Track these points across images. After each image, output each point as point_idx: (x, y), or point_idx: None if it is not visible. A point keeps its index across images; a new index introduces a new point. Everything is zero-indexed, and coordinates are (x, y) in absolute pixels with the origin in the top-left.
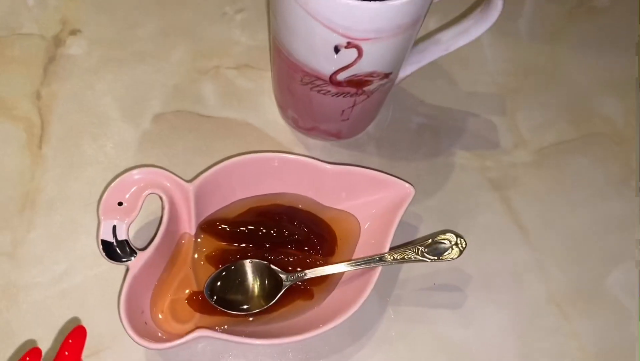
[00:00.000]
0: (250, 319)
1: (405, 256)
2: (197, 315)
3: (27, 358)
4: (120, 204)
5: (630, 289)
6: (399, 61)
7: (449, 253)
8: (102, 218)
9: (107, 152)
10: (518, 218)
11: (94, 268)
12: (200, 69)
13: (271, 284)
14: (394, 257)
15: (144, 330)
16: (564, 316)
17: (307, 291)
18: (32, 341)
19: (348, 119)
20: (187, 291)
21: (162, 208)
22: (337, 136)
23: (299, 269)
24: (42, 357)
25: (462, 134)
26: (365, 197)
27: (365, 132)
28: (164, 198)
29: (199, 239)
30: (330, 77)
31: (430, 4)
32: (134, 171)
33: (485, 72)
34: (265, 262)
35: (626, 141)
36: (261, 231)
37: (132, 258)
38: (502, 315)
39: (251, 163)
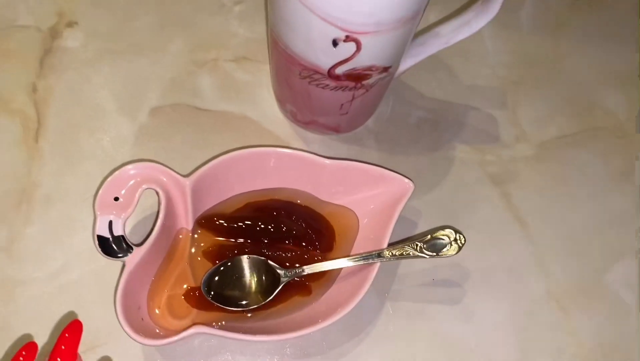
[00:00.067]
0: (249, 315)
1: (404, 252)
2: (194, 310)
3: (23, 353)
4: (116, 199)
5: (630, 285)
6: (399, 54)
7: (447, 250)
8: (98, 213)
9: (104, 146)
10: (518, 213)
11: (90, 263)
12: (197, 62)
13: (269, 280)
14: (392, 253)
15: (141, 326)
16: (563, 312)
17: (305, 286)
18: (28, 336)
19: (347, 113)
20: (184, 286)
21: (159, 203)
22: (336, 129)
23: (297, 265)
24: (38, 352)
25: (463, 127)
26: (364, 192)
27: (365, 126)
28: (161, 193)
29: (196, 235)
30: (329, 71)
31: None
32: (130, 166)
33: (487, 65)
34: (263, 258)
35: (628, 135)
36: (259, 226)
37: (129, 253)
38: (501, 310)
39: (249, 158)
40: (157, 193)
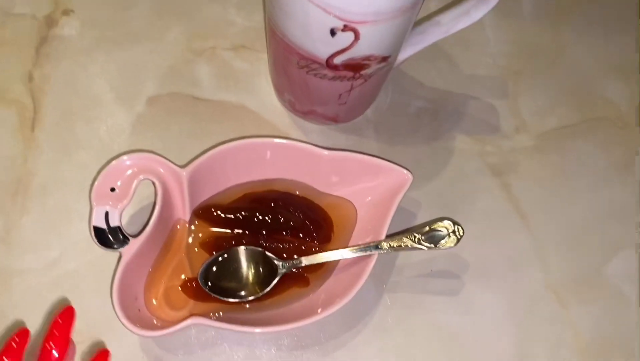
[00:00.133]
0: (246, 306)
1: (402, 244)
2: (192, 301)
3: (16, 339)
4: (112, 190)
5: (630, 277)
6: (398, 44)
7: (446, 241)
8: (94, 204)
9: (101, 136)
10: (518, 204)
11: (87, 254)
12: (195, 50)
13: (266, 272)
14: (390, 245)
15: (138, 317)
16: (562, 304)
17: (302, 278)
18: (21, 322)
19: (345, 103)
20: (181, 277)
21: (155, 194)
22: (334, 119)
23: (294, 256)
24: (31, 338)
25: (463, 118)
26: (362, 183)
27: (364, 116)
28: (157, 183)
29: (193, 226)
30: (327, 60)
31: None
32: (126, 157)
33: (487, 54)
34: (260, 249)
35: (630, 126)
36: (256, 217)
37: (125, 244)
38: (499, 302)
39: (246, 148)
40: (154, 184)
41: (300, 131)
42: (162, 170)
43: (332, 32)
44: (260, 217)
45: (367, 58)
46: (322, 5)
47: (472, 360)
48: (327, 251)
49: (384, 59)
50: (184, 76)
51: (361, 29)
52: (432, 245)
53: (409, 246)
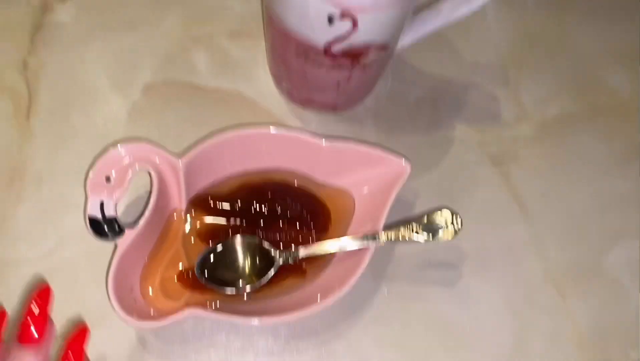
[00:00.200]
0: (246, 297)
1: (400, 235)
2: (188, 291)
3: None
4: (108, 179)
5: (630, 268)
6: (397, 32)
7: (443, 233)
8: (89, 193)
9: (97, 124)
10: (517, 194)
11: (83, 243)
12: (192, 37)
13: (263, 262)
14: (387, 236)
15: (134, 307)
16: (561, 295)
17: (299, 269)
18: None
19: (344, 91)
20: (178, 268)
21: (151, 184)
22: (333, 108)
23: (292, 247)
24: (8, 319)
25: (463, 107)
26: (360, 173)
27: (363, 105)
28: (153, 173)
29: (189, 216)
30: (325, 48)
31: None
32: (121, 146)
33: (489, 42)
34: (257, 239)
35: (632, 115)
36: (253, 207)
37: (121, 235)
38: (497, 293)
39: (243, 138)
40: (150, 174)
41: (299, 119)
42: (157, 159)
43: (330, 20)
44: (257, 207)
45: (366, 46)
46: None
47: (469, 350)
48: (324, 241)
49: (383, 47)
50: (180, 63)
51: (359, 17)
52: (430, 236)
53: (407, 237)
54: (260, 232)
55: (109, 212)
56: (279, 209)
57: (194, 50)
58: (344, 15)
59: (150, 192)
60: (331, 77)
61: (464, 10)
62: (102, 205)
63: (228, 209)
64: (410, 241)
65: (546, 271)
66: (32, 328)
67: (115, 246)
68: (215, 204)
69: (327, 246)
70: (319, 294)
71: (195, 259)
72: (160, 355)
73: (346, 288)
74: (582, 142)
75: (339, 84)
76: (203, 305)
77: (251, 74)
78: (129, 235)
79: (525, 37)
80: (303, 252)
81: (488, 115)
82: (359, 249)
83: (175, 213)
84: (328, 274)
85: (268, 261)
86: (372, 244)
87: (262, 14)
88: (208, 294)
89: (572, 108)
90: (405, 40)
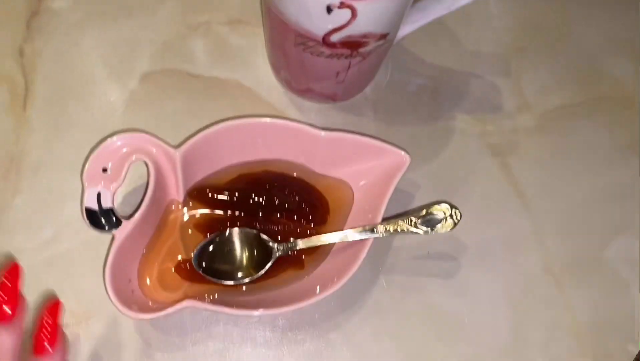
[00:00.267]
0: (242, 288)
1: (399, 228)
2: (186, 283)
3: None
4: (104, 170)
5: (629, 261)
6: (397, 21)
7: (442, 225)
8: (86, 184)
9: (94, 114)
10: (517, 185)
11: (81, 234)
12: (190, 25)
13: (261, 254)
14: (386, 228)
15: (131, 298)
16: (559, 287)
17: (298, 260)
18: None
19: (343, 81)
20: (175, 259)
21: (148, 175)
22: (332, 98)
23: (290, 238)
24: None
25: (464, 96)
26: (359, 164)
27: (362, 94)
28: (150, 164)
29: (187, 207)
30: (323, 38)
31: None
32: (117, 137)
33: (491, 30)
34: (255, 231)
35: (635, 105)
36: (251, 199)
37: (118, 226)
38: (496, 284)
39: (241, 128)
40: (147, 165)
41: (297, 109)
42: (154, 150)
43: (329, 9)
44: (255, 198)
45: (365, 36)
46: None
47: (467, 342)
48: (323, 233)
49: (383, 36)
50: (178, 52)
51: (358, 6)
52: (429, 229)
53: (406, 230)
54: (258, 223)
55: (106, 203)
56: (277, 200)
57: (192, 38)
58: (342, 4)
59: (148, 183)
60: (330, 66)
61: None
62: (99, 196)
63: (226, 200)
64: (410, 233)
65: (545, 263)
66: (4, 306)
67: (113, 238)
68: (213, 195)
69: (326, 237)
70: (317, 286)
71: (193, 251)
72: (158, 345)
73: (344, 281)
74: (583, 133)
75: (338, 73)
76: (201, 296)
77: (250, 63)
78: (126, 226)
79: (527, 26)
80: (301, 243)
81: (489, 105)
82: (358, 242)
83: (172, 204)
84: (326, 266)
85: (266, 253)
86: (370, 236)
87: (260, 2)
88: (206, 286)
89: (574, 99)
90: (405, 29)
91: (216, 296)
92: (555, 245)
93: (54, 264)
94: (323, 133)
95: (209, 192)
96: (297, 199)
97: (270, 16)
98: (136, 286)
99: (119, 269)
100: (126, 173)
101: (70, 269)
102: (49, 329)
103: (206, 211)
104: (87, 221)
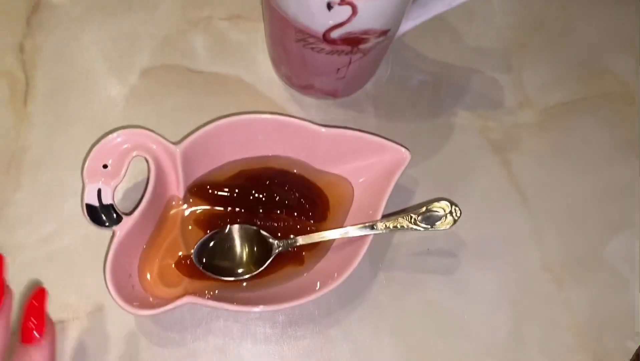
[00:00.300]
0: (242, 284)
1: (398, 225)
2: (187, 278)
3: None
4: (105, 167)
5: (629, 258)
6: (398, 17)
7: (442, 223)
8: (86, 181)
9: (94, 109)
10: (518, 182)
11: (82, 229)
12: (190, 20)
13: (261, 250)
14: (386, 225)
15: (132, 294)
16: (559, 284)
17: (298, 256)
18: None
19: (344, 77)
20: (176, 255)
21: (148, 171)
22: (333, 94)
23: (290, 235)
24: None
25: (465, 92)
26: (359, 161)
27: (363, 90)
28: (150, 160)
29: (187, 203)
30: (324, 34)
31: None
32: (118, 133)
33: (492, 26)
34: (255, 227)
35: (636, 102)
36: (252, 195)
37: (118, 222)
38: (495, 281)
39: (242, 125)
40: (147, 161)
41: (298, 105)
42: (155, 147)
43: (329, 6)
44: (255, 195)
45: (366, 32)
46: None
47: (466, 338)
48: (322, 230)
49: (384, 33)
50: (178, 47)
51: (358, 3)
52: (429, 226)
53: (405, 226)
54: (259, 219)
55: (107, 199)
56: (277, 196)
57: (192, 34)
58: (343, 1)
59: (148, 179)
60: (330, 62)
61: None
62: (99, 193)
63: (226, 197)
64: (409, 230)
65: (545, 260)
66: None
67: (113, 233)
68: (213, 191)
69: (326, 234)
70: (317, 282)
71: (194, 247)
72: (158, 341)
73: (343, 277)
74: (584, 130)
75: (339, 70)
76: (202, 292)
77: (250, 58)
78: (126, 222)
79: (529, 22)
80: (301, 240)
81: (490, 101)
82: (357, 238)
83: (173, 200)
84: (326, 263)
85: (266, 249)
86: (370, 233)
87: None
88: (206, 282)
89: (576, 95)
90: (406, 25)
91: (216, 292)
92: (555, 243)
93: (54, 260)
94: (323, 130)
95: (209, 188)
96: (297, 195)
97: (270, 12)
98: (137, 281)
99: (119, 265)
100: (127, 170)
101: (71, 264)
102: (36, 317)
103: (206, 207)
104: (88, 217)
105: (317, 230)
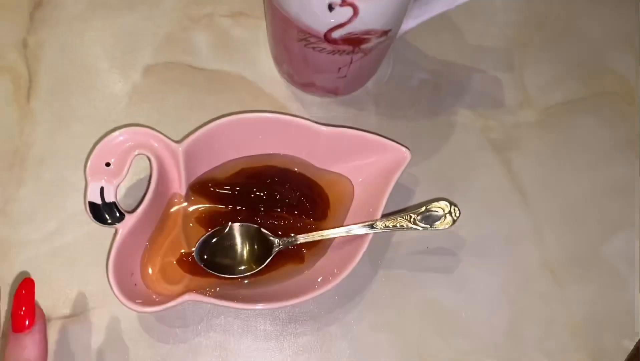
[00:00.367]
0: (243, 281)
1: (397, 224)
2: (188, 276)
3: None
4: (107, 165)
5: (628, 258)
6: (399, 18)
7: (441, 222)
8: (89, 179)
9: (97, 107)
10: (517, 181)
11: (85, 226)
12: (192, 17)
13: (262, 248)
14: (385, 224)
15: (134, 291)
16: (557, 283)
17: (298, 255)
18: None
19: (345, 76)
20: (178, 252)
21: (151, 169)
22: (334, 92)
23: (290, 233)
24: None
25: (466, 91)
26: (360, 160)
27: (364, 88)
28: (152, 159)
29: (189, 201)
30: (325, 34)
31: None
32: (120, 132)
33: (494, 24)
34: (256, 225)
35: (637, 102)
36: (253, 193)
37: (121, 220)
38: (494, 280)
39: (243, 123)
40: (149, 159)
41: (299, 103)
42: (157, 145)
43: (330, 7)
44: (256, 193)
45: (367, 33)
46: None
47: (465, 337)
48: (323, 228)
49: (385, 33)
50: (180, 44)
51: (359, 4)
52: (428, 226)
53: (405, 226)
54: (259, 218)
55: (109, 197)
56: (277, 195)
57: (194, 31)
58: (344, 2)
59: (150, 177)
60: (332, 62)
61: None
62: (102, 190)
63: (227, 195)
64: (409, 229)
65: (544, 258)
66: None
67: (116, 231)
68: (214, 189)
69: (326, 232)
70: (317, 280)
71: (195, 244)
72: (160, 337)
73: (344, 275)
74: (584, 129)
75: (340, 69)
76: (203, 289)
77: (252, 57)
78: (129, 220)
79: (531, 21)
80: (302, 238)
81: (491, 100)
82: (357, 237)
83: (175, 198)
84: (326, 261)
85: (266, 247)
86: (370, 232)
87: None
88: (208, 279)
89: (577, 93)
90: (408, 24)
91: (217, 289)
92: (554, 242)
93: (57, 256)
94: (324, 128)
95: (211, 186)
96: (297, 194)
97: (272, 12)
98: (139, 278)
99: (121, 262)
100: (129, 168)
101: (74, 261)
102: (25, 305)
103: (208, 205)
104: (91, 215)
105: (318, 229)
